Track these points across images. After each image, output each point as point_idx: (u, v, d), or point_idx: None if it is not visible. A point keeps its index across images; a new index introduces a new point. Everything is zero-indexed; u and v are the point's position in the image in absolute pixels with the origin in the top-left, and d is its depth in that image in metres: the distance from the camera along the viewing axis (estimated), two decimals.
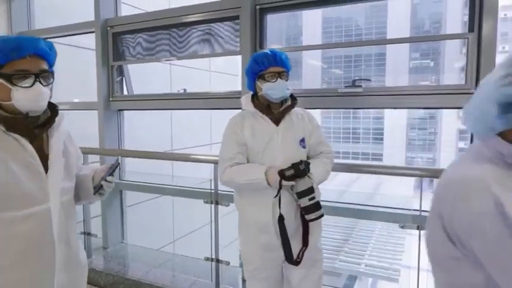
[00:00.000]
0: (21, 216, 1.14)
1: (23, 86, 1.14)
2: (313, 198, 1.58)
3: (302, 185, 1.57)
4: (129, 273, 2.93)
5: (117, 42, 3.31)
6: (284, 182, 1.56)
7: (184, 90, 3.16)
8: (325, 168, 1.76)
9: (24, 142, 1.17)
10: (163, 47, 3.09)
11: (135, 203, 4.24)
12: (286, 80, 1.71)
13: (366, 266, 4.70)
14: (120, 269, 2.99)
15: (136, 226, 3.86)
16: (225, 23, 2.80)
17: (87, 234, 3.20)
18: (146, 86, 3.85)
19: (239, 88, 2.74)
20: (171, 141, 5.50)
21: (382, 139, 24.60)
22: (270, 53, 1.70)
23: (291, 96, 1.78)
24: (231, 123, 1.78)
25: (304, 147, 1.75)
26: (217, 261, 2.69)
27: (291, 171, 1.55)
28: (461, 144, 20.99)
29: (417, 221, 2.12)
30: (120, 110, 3.47)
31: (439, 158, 23.22)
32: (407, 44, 21.90)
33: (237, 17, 2.72)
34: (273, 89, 1.68)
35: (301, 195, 1.58)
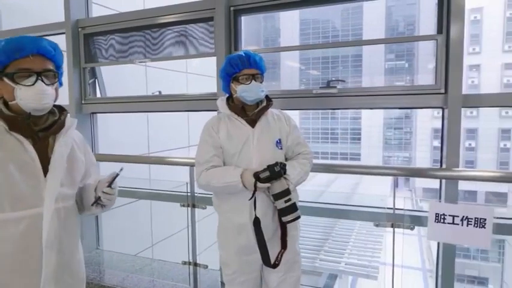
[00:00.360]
0: (14, 218, 1.12)
1: (26, 84, 1.14)
2: (290, 200, 1.57)
3: (278, 186, 1.56)
4: (105, 280, 2.86)
5: (88, 43, 3.23)
6: (259, 184, 1.55)
7: (160, 92, 3.11)
8: (303, 169, 1.75)
9: (26, 143, 1.15)
10: (136, 49, 3.03)
11: (111, 207, 4.14)
12: (261, 82, 1.70)
13: (346, 264, 4.75)
14: (96, 276, 2.91)
15: (112, 231, 3.76)
16: (199, 24, 2.77)
17: None
18: (121, 88, 3.77)
19: (215, 90, 2.71)
20: (147, 144, 5.40)
21: (359, 139, 24.99)
22: (244, 54, 1.69)
23: (267, 97, 1.77)
24: (206, 126, 1.77)
25: (280, 148, 1.74)
26: (195, 264, 2.67)
27: (266, 173, 1.54)
28: (436, 143, 21.55)
29: (391, 219, 2.15)
30: (93, 113, 3.38)
31: (414, 157, 23.78)
32: (383, 45, 22.45)
33: (211, 18, 2.70)
34: (248, 91, 1.67)
35: (277, 197, 1.57)
